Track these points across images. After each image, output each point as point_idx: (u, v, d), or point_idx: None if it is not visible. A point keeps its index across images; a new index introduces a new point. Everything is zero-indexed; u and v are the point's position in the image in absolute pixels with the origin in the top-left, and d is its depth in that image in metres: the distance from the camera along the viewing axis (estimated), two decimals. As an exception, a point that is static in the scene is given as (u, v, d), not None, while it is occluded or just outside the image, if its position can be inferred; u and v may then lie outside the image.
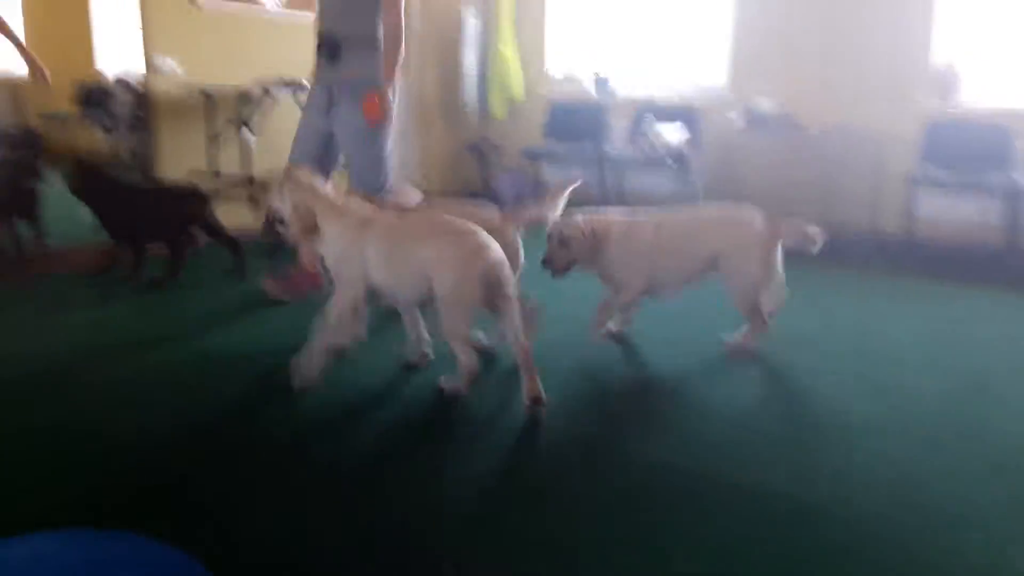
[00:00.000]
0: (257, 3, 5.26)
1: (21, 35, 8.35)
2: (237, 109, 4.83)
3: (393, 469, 2.18)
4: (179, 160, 4.76)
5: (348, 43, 3.11)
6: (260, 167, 4.85)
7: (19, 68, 8.22)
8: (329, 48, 3.12)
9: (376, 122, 3.07)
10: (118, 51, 7.77)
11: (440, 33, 6.89)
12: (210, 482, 2.07)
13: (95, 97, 7.50)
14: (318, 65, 3.21)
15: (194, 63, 4.84)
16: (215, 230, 3.69)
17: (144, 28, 4.66)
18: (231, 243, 3.73)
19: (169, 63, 4.75)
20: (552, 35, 6.90)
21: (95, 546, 1.52)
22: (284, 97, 5.15)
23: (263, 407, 2.55)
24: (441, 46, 6.91)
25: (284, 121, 5.30)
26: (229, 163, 4.82)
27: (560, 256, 2.89)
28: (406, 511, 1.95)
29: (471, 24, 6.73)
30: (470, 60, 6.78)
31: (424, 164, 7.09)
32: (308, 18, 5.64)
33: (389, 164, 3.26)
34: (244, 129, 4.81)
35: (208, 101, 4.85)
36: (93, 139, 7.42)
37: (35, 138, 7.64)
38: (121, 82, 7.17)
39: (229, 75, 4.94)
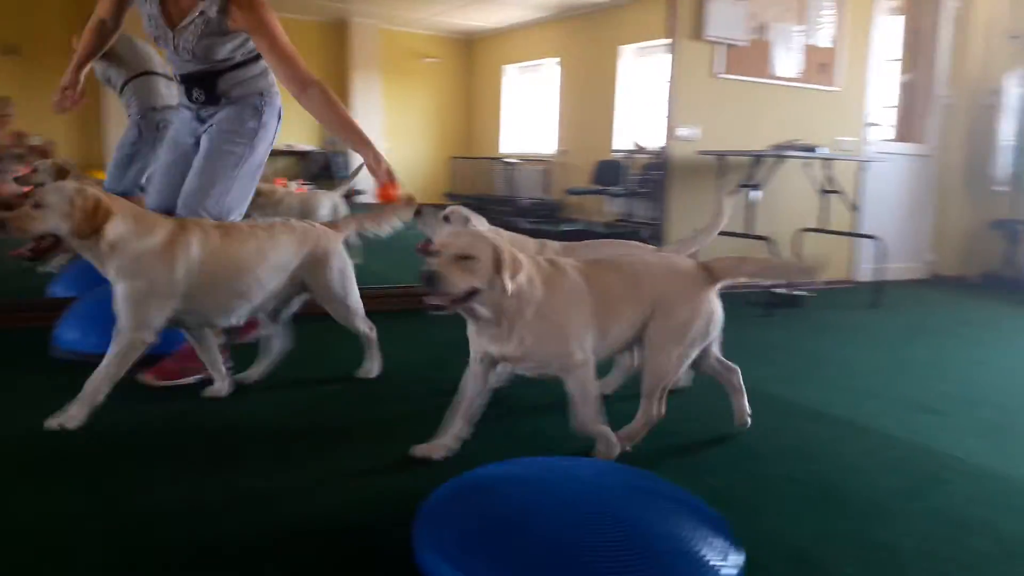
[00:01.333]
0: (772, 74, 5.37)
1: (556, 123, 9.80)
2: (748, 172, 4.93)
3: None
4: (687, 220, 5.01)
5: (223, 72, 2.55)
6: (763, 227, 4.85)
7: (549, 150, 9.65)
8: (200, 84, 2.55)
9: (391, 203, 2.49)
10: (633, 131, 8.63)
11: (972, 102, 6.23)
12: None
13: (609, 172, 8.41)
14: (188, 99, 2.62)
15: (711, 131, 5.10)
16: None
17: (671, 102, 5.06)
18: None
19: (689, 132, 5.07)
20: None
21: (632, 475, 1.71)
22: (792, 161, 5.13)
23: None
24: (972, 115, 6.24)
25: (789, 183, 5.28)
26: (733, 223, 4.93)
27: None
28: None
29: (1013, 92, 5.97)
30: (1007, 130, 5.99)
31: (938, 241, 6.41)
32: (821, 88, 5.63)
33: (235, 199, 2.58)
34: (751, 191, 4.89)
35: (721, 165, 5.05)
36: (603, 208, 8.28)
37: (554, 208, 8.86)
38: (635, 153, 7.90)
39: (743, 141, 5.10)
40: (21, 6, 8.61)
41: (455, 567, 1.31)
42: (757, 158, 4.91)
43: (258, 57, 2.55)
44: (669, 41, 5.08)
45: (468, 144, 11.28)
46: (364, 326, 2.70)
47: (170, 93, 3.68)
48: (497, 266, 1.80)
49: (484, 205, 9.17)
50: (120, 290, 2.15)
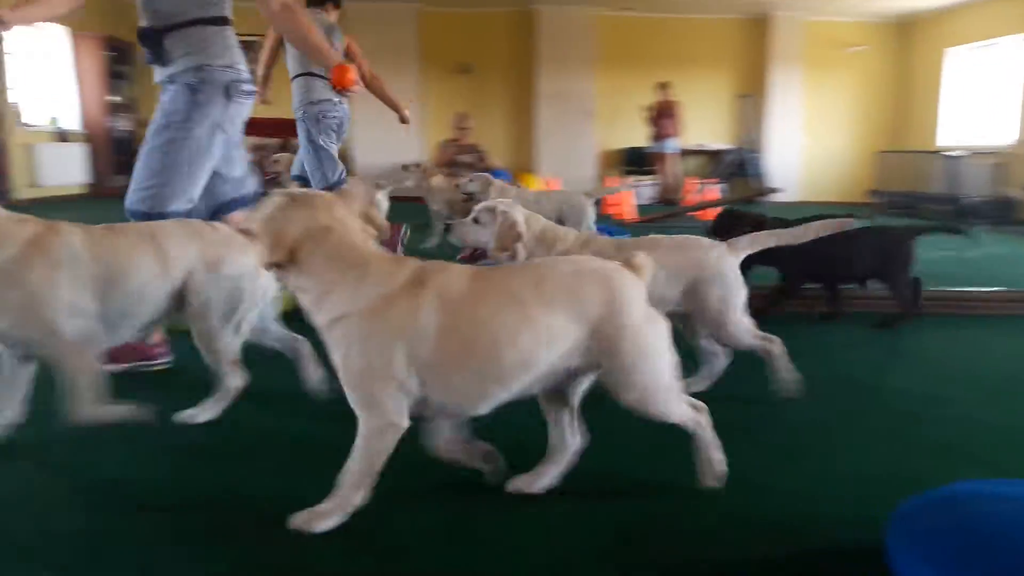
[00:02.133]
0: None
1: (1017, 109, 8.38)
2: None
3: None
4: None
5: (171, 30, 2.42)
6: None
7: (1006, 140, 8.28)
8: (148, 41, 2.42)
9: (345, 90, 2.40)
10: None
11: None
12: None
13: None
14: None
15: None
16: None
17: None
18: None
19: None
20: None
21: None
22: None
23: None
24: None
25: None
26: None
27: None
28: None
29: None
30: None
31: None
32: None
33: (173, 191, 2.34)
34: None
35: None
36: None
37: (1010, 208, 7.55)
38: None
39: None
40: (473, 31, 9.92)
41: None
42: None
43: (212, 21, 2.45)
44: None
45: (898, 136, 10.23)
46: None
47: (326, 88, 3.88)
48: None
49: (917, 203, 8.22)
50: None
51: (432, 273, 1.44)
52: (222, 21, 2.42)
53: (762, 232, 2.19)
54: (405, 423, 1.42)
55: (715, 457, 1.59)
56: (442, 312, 1.41)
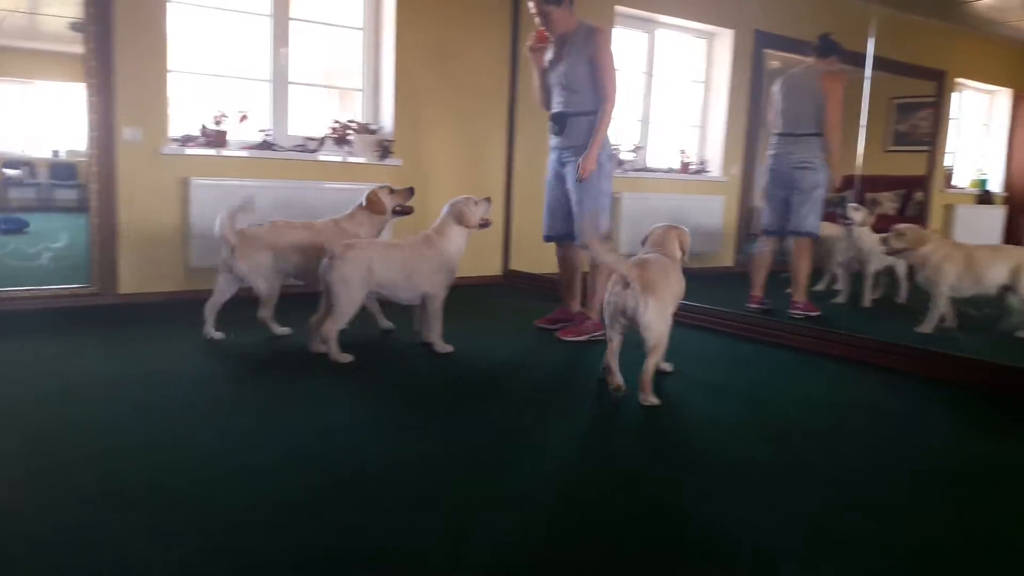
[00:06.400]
0: None
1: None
2: None
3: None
4: None
5: (573, 118, 3.61)
6: None
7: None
8: (558, 123, 3.66)
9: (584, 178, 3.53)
10: None
11: None
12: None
13: None
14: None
15: None
16: None
17: None
18: None
19: None
20: None
21: None
22: None
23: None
24: None
25: None
26: None
27: None
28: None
29: None
30: None
31: None
32: None
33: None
34: None
35: None
36: None
37: None
38: None
39: None
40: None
41: None
42: None
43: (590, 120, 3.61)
44: None
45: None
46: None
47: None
48: None
49: None
50: None
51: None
52: None
53: None
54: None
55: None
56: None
